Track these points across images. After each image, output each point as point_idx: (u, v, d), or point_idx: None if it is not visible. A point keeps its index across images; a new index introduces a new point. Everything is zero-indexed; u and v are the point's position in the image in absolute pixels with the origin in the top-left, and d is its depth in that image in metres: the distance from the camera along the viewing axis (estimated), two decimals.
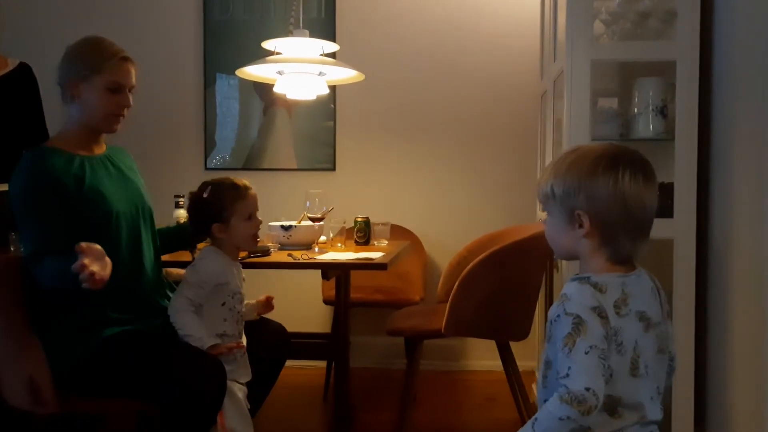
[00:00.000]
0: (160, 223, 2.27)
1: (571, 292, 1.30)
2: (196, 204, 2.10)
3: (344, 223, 2.85)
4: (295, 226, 2.66)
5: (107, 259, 1.68)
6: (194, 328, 1.97)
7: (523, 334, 2.66)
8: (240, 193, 2.09)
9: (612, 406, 1.29)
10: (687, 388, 2.41)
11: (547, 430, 1.26)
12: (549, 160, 3.00)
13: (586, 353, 1.24)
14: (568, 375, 1.24)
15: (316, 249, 2.64)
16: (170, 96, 3.92)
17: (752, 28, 2.13)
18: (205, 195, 2.08)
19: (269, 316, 2.32)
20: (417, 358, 2.66)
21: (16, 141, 2.14)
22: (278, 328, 2.32)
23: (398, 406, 2.77)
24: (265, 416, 2.26)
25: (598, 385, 1.23)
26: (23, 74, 2.25)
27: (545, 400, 1.29)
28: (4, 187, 1.99)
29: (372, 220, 2.96)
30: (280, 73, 2.82)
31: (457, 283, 2.54)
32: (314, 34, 2.86)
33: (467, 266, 2.56)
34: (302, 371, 3.65)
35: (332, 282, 2.74)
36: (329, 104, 3.84)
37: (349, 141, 3.88)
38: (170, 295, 2.13)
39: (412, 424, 2.71)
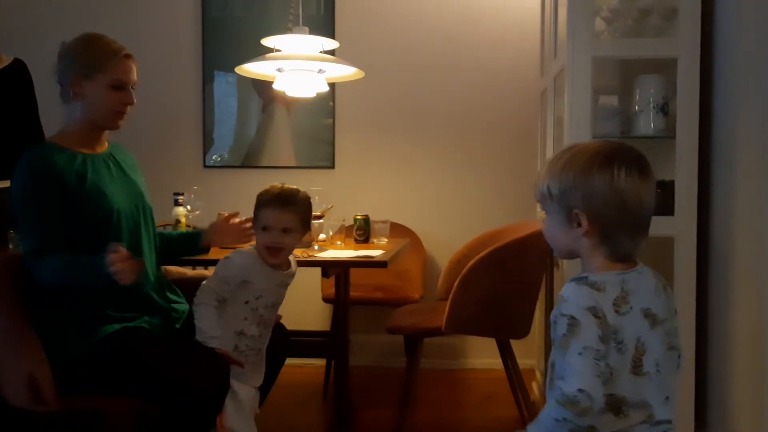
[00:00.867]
0: (158, 220, 2.27)
1: (567, 293, 1.30)
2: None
3: (344, 221, 2.85)
4: None
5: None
6: (206, 323, 1.95)
7: (523, 331, 2.66)
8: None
9: (616, 406, 1.29)
10: (688, 387, 2.41)
11: (547, 431, 1.27)
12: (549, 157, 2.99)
13: (580, 354, 1.24)
14: (563, 377, 1.25)
15: (316, 247, 2.63)
16: (168, 93, 3.90)
17: (753, 25, 2.13)
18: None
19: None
20: (417, 356, 2.66)
21: (10, 138, 2.13)
22: (277, 327, 2.31)
23: (398, 404, 2.77)
24: (265, 414, 2.25)
25: (593, 386, 1.22)
26: (17, 71, 2.23)
27: None
28: (1, 185, 1.98)
29: (371, 217, 2.96)
30: (279, 70, 2.81)
31: (457, 281, 2.53)
32: (314, 31, 2.85)
33: (467, 264, 2.56)
34: (301, 369, 3.64)
35: (332, 280, 2.73)
36: (328, 102, 3.83)
37: (349, 139, 3.87)
38: (169, 294, 2.12)
39: (411, 422, 2.71)
